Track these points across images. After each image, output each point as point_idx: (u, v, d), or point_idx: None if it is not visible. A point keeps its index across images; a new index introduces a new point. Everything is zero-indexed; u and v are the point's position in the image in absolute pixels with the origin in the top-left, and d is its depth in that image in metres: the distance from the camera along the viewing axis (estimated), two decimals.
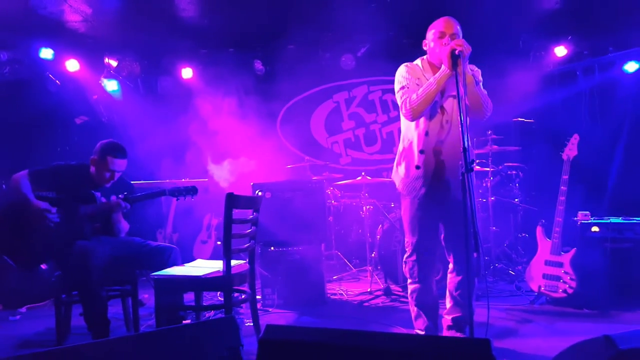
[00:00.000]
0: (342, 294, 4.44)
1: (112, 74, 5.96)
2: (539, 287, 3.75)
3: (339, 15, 5.04)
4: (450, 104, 2.69)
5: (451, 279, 2.88)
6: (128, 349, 1.75)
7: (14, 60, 5.18)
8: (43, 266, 4.25)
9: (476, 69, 2.79)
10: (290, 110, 6.77)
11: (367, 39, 5.95)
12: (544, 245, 3.80)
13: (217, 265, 3.00)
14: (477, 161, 4.84)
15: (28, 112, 5.48)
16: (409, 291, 2.91)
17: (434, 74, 2.62)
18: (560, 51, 5.81)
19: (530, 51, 6.00)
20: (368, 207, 4.91)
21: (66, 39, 5.48)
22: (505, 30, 5.56)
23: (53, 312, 3.15)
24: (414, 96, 2.63)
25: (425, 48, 2.81)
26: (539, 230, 3.87)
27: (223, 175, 5.26)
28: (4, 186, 5.13)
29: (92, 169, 3.32)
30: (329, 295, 4.33)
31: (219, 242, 5.68)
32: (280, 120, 6.77)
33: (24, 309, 4.28)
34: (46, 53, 5.47)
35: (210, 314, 3.63)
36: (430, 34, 2.76)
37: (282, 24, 5.35)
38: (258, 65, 6.19)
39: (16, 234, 3.12)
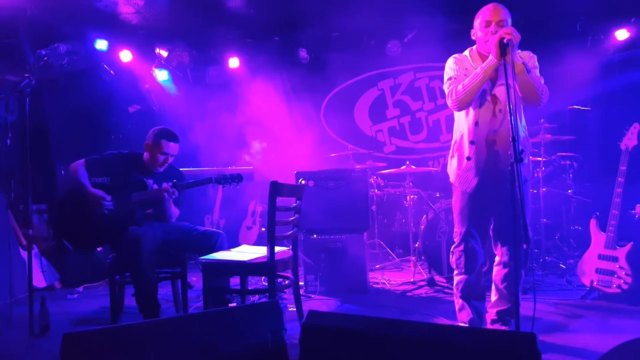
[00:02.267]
0: (384, 283, 4.44)
1: (162, 64, 6.13)
2: (592, 281, 3.61)
3: (385, 0, 4.96)
4: (502, 92, 2.61)
5: (498, 271, 2.83)
6: (178, 329, 1.83)
7: (72, 52, 5.40)
8: (99, 249, 4.51)
9: (531, 55, 2.69)
10: (334, 98, 6.76)
11: (414, 25, 5.83)
12: (598, 239, 3.64)
13: (261, 251, 3.07)
14: (535, 150, 4.66)
15: (85, 101, 5.72)
16: (455, 282, 2.87)
17: None
18: (622, 34, 5.50)
19: (589, 35, 5.69)
20: (412, 196, 4.85)
21: (120, 31, 5.68)
22: (561, 13, 5.29)
23: (107, 292, 3.31)
24: (460, 86, 2.60)
25: (473, 38, 2.75)
26: (593, 223, 3.71)
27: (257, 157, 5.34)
28: (62, 172, 5.43)
29: (146, 154, 3.46)
30: (371, 284, 4.33)
31: (263, 229, 5.79)
32: (324, 108, 6.76)
33: (81, 288, 4.53)
34: (101, 44, 5.68)
35: (254, 298, 3.72)
36: (476, 23, 2.69)
37: (327, 11, 5.32)
38: (303, 53, 6.20)
39: (74, 220, 3.30)
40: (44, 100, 5.54)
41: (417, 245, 4.59)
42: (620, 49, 5.66)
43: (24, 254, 4.24)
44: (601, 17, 5.44)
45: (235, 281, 3.45)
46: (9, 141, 5.33)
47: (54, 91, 5.63)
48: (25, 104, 3.15)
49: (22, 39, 4.89)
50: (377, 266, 5.03)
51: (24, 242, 4.37)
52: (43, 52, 5.15)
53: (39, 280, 4.40)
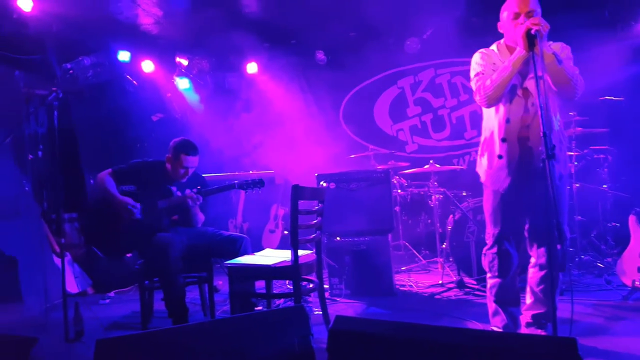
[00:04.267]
0: (411, 285, 4.36)
1: (183, 72, 6.23)
2: (633, 281, 3.43)
3: None
4: (533, 85, 2.43)
5: (533, 274, 2.71)
6: (207, 334, 1.86)
7: (96, 64, 5.55)
8: (128, 255, 4.61)
9: (564, 46, 2.58)
10: (353, 99, 6.73)
11: (432, 21, 5.75)
12: (639, 236, 3.49)
13: (285, 255, 3.09)
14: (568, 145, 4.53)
15: (109, 111, 5.86)
16: (488, 286, 2.76)
17: None
18: None
19: (618, 22, 5.48)
20: (437, 196, 4.75)
21: (141, 41, 5.79)
22: (589, 2, 5.14)
23: (138, 297, 3.39)
24: (488, 82, 2.51)
25: (500, 30, 2.65)
26: (632, 220, 3.55)
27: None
28: (91, 181, 5.56)
29: (168, 166, 3.53)
30: (397, 286, 4.25)
31: (286, 232, 5.82)
32: (343, 109, 6.75)
33: (112, 294, 4.65)
34: (124, 55, 5.81)
35: (280, 302, 3.75)
36: (504, 15, 2.58)
37: (342, 11, 5.32)
38: (320, 55, 6.21)
39: (103, 227, 3.40)
40: (71, 112, 5.68)
41: (444, 246, 4.48)
42: None
43: (57, 261, 4.38)
44: (631, 2, 5.24)
45: (260, 285, 3.49)
46: (40, 152, 5.49)
47: (80, 103, 5.76)
48: (53, 116, 3.25)
49: (49, 54, 5.04)
50: (403, 268, 4.94)
51: (57, 250, 4.51)
52: (68, 65, 5.30)
53: (72, 286, 4.53)
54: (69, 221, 5.17)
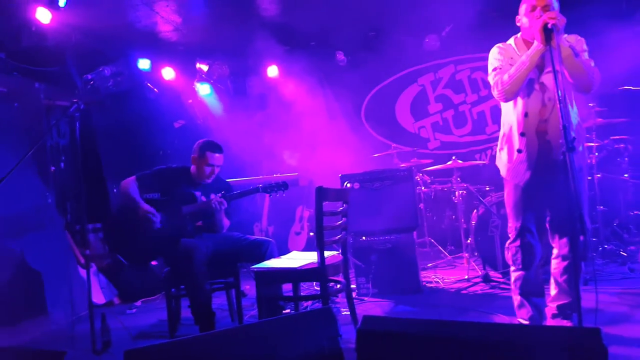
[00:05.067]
0: (437, 281, 4.35)
1: (204, 78, 6.26)
2: None
3: None
4: (550, 79, 2.49)
5: (556, 265, 2.71)
6: (235, 340, 1.84)
7: (116, 73, 5.61)
8: (153, 263, 4.63)
9: (578, 38, 2.59)
10: (374, 98, 6.70)
11: (451, 17, 5.70)
12: None
13: (311, 257, 3.06)
14: (588, 136, 4.47)
15: (131, 120, 5.92)
16: (513, 279, 2.78)
17: None
18: None
19: (636, 12, 5.42)
20: (461, 192, 4.72)
21: (161, 49, 5.85)
22: None
23: (164, 305, 3.39)
24: (506, 76, 2.53)
25: (518, 24, 2.66)
26: None
27: None
28: (114, 190, 5.62)
29: (193, 167, 3.54)
30: (424, 283, 4.25)
31: (311, 234, 5.79)
32: (365, 108, 6.72)
33: (139, 303, 4.64)
34: (144, 64, 5.87)
35: (307, 304, 3.71)
36: (522, 9, 2.60)
37: (360, 11, 5.28)
38: (340, 56, 6.19)
39: (128, 235, 3.40)
40: (93, 122, 5.76)
41: (469, 241, 4.47)
42: None
43: (82, 272, 4.40)
44: None
45: (287, 287, 3.46)
46: (62, 164, 5.58)
47: (102, 112, 5.84)
48: (75, 127, 3.27)
49: (70, 65, 5.11)
50: (429, 265, 4.94)
51: (82, 261, 4.54)
52: (89, 76, 5.38)
53: (98, 297, 4.55)
54: (94, 231, 5.21)
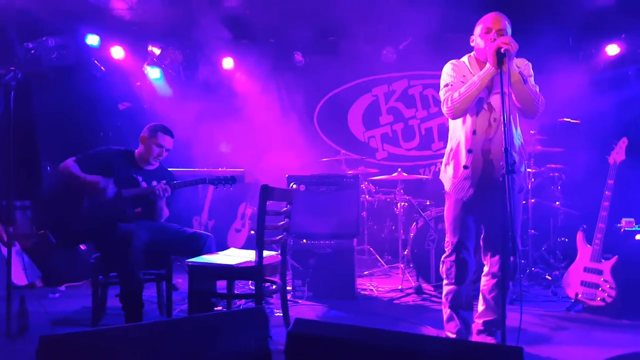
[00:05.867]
0: (372, 289, 4.42)
1: (155, 61, 6.06)
2: (576, 294, 3.61)
3: (382, 7, 4.95)
4: (497, 101, 2.59)
5: (486, 282, 2.81)
6: (161, 334, 1.78)
7: (61, 45, 5.32)
8: (82, 247, 4.42)
9: (526, 62, 2.70)
10: (328, 102, 6.73)
11: (409, 32, 5.84)
12: (584, 251, 3.65)
13: (249, 255, 3.02)
14: (525, 162, 4.66)
15: (74, 97, 5.64)
16: (444, 292, 2.85)
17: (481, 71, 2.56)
18: (612, 49, 5.56)
19: (580, 49, 5.78)
20: (403, 203, 4.83)
21: (112, 26, 5.60)
22: (555, 26, 5.34)
23: (90, 292, 3.25)
24: (456, 94, 2.59)
25: (472, 44, 2.74)
26: (579, 236, 3.72)
27: None
28: (48, 168, 5.33)
29: (140, 147, 3.44)
30: (359, 290, 4.31)
31: (252, 232, 5.73)
32: (318, 112, 6.73)
33: (63, 287, 4.43)
34: (92, 39, 5.60)
35: (241, 302, 3.67)
36: (477, 30, 2.69)
37: (323, 16, 5.30)
38: (298, 56, 6.18)
39: (63, 213, 3.26)
40: (32, 95, 5.43)
41: (406, 252, 4.57)
42: (610, 64, 5.73)
43: (4, 250, 4.15)
44: (593, 31, 5.50)
45: (222, 284, 3.40)
46: None
47: (44, 86, 5.53)
48: (10, 97, 3.06)
49: (10, 32, 4.79)
50: (365, 272, 5.01)
51: (5, 239, 4.27)
52: (30, 45, 5.06)
53: (19, 278, 4.31)
54: (21, 209, 4.92)
